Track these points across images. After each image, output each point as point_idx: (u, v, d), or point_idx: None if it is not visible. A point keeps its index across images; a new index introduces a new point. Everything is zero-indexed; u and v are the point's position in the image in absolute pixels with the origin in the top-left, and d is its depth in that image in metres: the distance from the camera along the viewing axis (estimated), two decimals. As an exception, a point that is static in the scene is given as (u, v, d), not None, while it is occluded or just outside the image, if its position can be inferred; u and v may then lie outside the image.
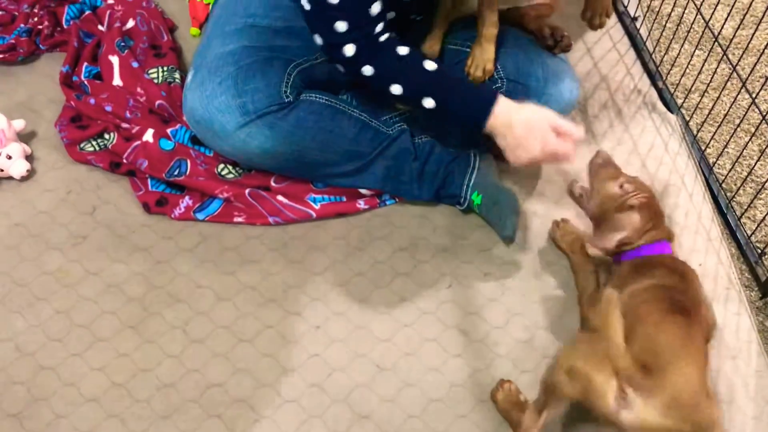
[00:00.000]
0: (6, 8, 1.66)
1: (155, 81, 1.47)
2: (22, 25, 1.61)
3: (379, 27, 1.16)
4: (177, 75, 1.50)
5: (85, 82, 1.49)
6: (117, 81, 1.48)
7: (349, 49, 1.15)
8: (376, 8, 1.14)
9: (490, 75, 1.29)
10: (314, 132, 1.26)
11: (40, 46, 1.61)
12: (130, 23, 1.59)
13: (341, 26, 1.13)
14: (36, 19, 1.64)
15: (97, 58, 1.54)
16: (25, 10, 1.65)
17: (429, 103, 1.18)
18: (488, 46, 1.27)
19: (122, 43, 1.54)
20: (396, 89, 1.18)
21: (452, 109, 1.20)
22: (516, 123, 1.16)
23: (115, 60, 1.51)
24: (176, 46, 1.62)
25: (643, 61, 1.72)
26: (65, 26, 1.64)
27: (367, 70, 1.17)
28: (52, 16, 1.65)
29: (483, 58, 1.27)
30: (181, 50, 1.63)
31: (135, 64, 1.50)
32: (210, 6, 1.66)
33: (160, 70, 1.50)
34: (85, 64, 1.53)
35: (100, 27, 1.61)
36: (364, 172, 1.33)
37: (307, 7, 1.14)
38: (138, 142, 1.37)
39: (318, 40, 1.17)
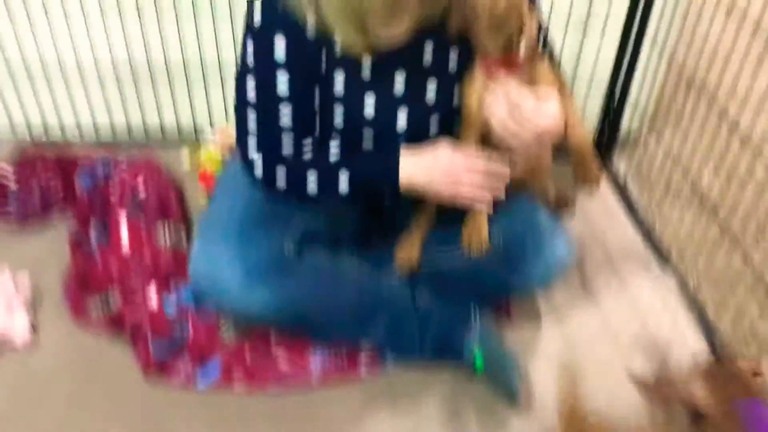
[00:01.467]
0: (23, 177, 1.73)
1: (162, 245, 1.51)
2: (36, 192, 1.68)
3: (288, 140, 1.19)
4: (184, 241, 1.54)
5: (94, 247, 1.53)
6: (125, 247, 1.52)
7: (252, 144, 1.18)
8: (286, 110, 1.16)
9: (486, 246, 1.27)
10: (316, 290, 1.28)
11: (53, 211, 1.67)
12: (141, 191, 1.65)
13: (252, 122, 1.17)
14: (50, 184, 1.70)
15: (107, 223, 1.59)
16: (39, 177, 1.72)
17: (343, 177, 1.19)
18: (481, 218, 1.25)
19: (132, 210, 1.59)
20: (311, 178, 1.19)
21: (364, 174, 1.20)
22: (423, 161, 1.18)
23: (123, 224, 1.55)
24: (185, 214, 1.68)
25: (637, 221, 1.76)
26: (78, 193, 1.70)
27: (280, 174, 1.19)
28: (66, 183, 1.72)
29: (478, 233, 1.25)
30: (189, 216, 1.68)
31: (143, 231, 1.54)
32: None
33: (168, 236, 1.54)
34: (95, 229, 1.58)
35: (111, 196, 1.67)
36: (365, 329, 1.34)
37: (234, 94, 1.19)
38: (141, 306, 1.39)
39: (234, 126, 1.21)
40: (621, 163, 1.93)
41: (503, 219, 1.32)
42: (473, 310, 1.37)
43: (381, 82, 1.17)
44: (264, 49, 1.12)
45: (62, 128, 1.96)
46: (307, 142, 1.20)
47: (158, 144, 1.96)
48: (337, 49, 1.14)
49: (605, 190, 1.86)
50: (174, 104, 1.93)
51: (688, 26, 1.62)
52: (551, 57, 1.26)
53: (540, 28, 1.20)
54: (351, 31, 1.10)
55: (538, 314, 1.49)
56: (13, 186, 1.70)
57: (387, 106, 1.19)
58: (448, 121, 1.22)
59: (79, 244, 1.56)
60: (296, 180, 1.20)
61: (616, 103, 1.87)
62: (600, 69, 1.86)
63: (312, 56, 1.14)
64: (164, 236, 1.54)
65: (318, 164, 1.20)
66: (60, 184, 1.71)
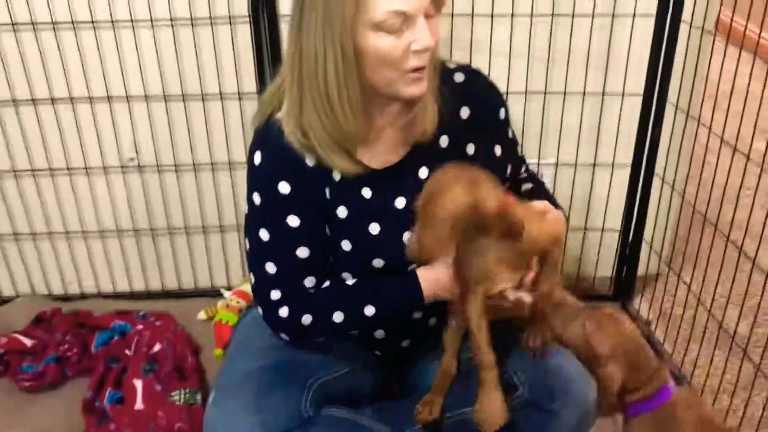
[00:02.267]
0: (40, 337, 1.73)
1: (177, 403, 1.48)
2: (51, 354, 1.67)
3: (309, 281, 1.19)
4: (198, 397, 1.51)
5: (107, 408, 1.50)
6: (139, 405, 1.48)
7: (275, 294, 1.18)
8: (302, 252, 1.17)
9: (502, 421, 1.14)
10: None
11: (67, 372, 1.65)
12: (157, 347, 1.64)
13: (270, 268, 1.18)
14: (66, 346, 1.70)
15: (121, 382, 1.57)
16: (57, 339, 1.72)
17: (369, 311, 1.18)
18: (494, 392, 1.12)
19: (147, 367, 1.57)
20: (338, 317, 1.18)
21: (389, 304, 1.19)
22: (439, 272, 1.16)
23: (138, 384, 1.53)
24: (200, 368, 1.65)
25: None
26: (93, 352, 1.69)
27: (306, 319, 1.18)
28: (82, 343, 1.71)
29: (492, 409, 1.12)
30: (204, 372, 1.65)
31: (158, 387, 1.52)
32: (234, 327, 1.72)
33: (183, 392, 1.51)
34: (109, 389, 1.55)
35: (127, 351, 1.66)
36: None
37: (248, 246, 1.20)
38: None
39: (251, 278, 1.21)
40: (643, 306, 1.90)
41: (526, 368, 1.25)
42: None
43: (384, 209, 1.20)
44: (271, 197, 1.16)
45: (81, 286, 1.98)
46: (326, 279, 1.21)
47: (174, 295, 1.98)
48: (337, 179, 1.17)
49: (629, 332, 1.82)
50: (192, 264, 1.96)
51: (696, 164, 1.65)
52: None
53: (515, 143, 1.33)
54: (344, 161, 1.14)
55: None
56: (29, 346, 1.69)
57: (391, 230, 1.20)
58: None
59: (92, 409, 1.52)
60: (323, 320, 1.20)
61: (630, 245, 1.88)
62: (611, 212, 1.88)
63: (316, 193, 1.18)
64: (179, 394, 1.50)
65: (342, 302, 1.20)
66: (77, 346, 1.70)
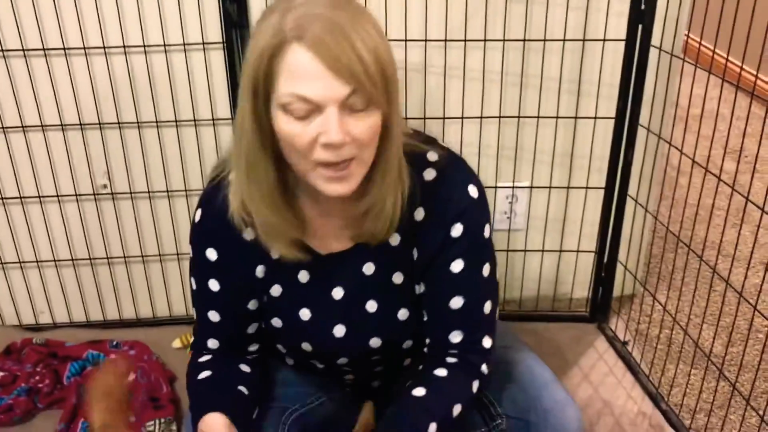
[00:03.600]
0: (9, 369, 1.69)
1: (151, 434, 1.45)
2: (22, 385, 1.63)
3: (212, 342, 1.16)
4: (174, 427, 1.48)
5: (80, 440, 1.47)
6: (112, 437, 1.45)
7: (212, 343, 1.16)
8: (213, 317, 1.14)
9: None
10: (391, 411, 1.20)
11: (38, 404, 1.62)
12: (131, 377, 1.61)
13: (214, 316, 1.15)
14: (37, 377, 1.66)
15: (94, 414, 1.53)
16: (27, 370, 1.68)
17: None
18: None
19: (121, 397, 1.54)
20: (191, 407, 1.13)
21: None
22: None
23: (112, 415, 1.50)
24: (175, 397, 1.62)
25: (642, 384, 1.72)
26: (65, 383, 1.66)
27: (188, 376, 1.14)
28: (54, 374, 1.68)
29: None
30: (179, 400, 1.62)
31: (132, 419, 1.49)
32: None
33: (158, 422, 1.48)
34: (82, 420, 1.52)
35: (100, 382, 1.62)
36: None
37: (193, 286, 1.16)
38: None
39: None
40: (619, 326, 1.91)
41: (506, 388, 1.24)
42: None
43: (318, 296, 1.15)
44: (198, 258, 1.13)
45: (53, 316, 1.95)
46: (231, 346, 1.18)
47: (148, 323, 1.95)
48: (275, 257, 1.12)
49: (606, 353, 1.83)
50: (167, 292, 1.94)
51: (668, 185, 1.67)
52: None
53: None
54: (282, 246, 1.08)
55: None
56: (-2, 379, 1.66)
57: (323, 319, 1.16)
58: (392, 338, 1.18)
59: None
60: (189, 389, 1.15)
61: (605, 266, 1.89)
62: (586, 234, 1.90)
63: (245, 269, 1.13)
64: (154, 424, 1.48)
65: (191, 397, 1.14)
66: (48, 377, 1.66)
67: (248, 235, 1.10)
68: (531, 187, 1.85)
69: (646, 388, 1.70)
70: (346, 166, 0.95)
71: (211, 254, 1.12)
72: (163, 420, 1.50)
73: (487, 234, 1.10)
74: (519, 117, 1.76)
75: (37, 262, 1.88)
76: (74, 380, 1.65)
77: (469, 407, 1.12)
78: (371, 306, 1.15)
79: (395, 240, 1.11)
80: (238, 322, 1.17)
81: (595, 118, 1.76)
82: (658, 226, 1.78)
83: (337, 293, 1.15)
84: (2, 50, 1.64)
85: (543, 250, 1.93)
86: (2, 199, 1.80)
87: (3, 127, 1.72)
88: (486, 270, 1.10)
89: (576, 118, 1.77)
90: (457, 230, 1.07)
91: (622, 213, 1.82)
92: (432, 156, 1.09)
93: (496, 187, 1.84)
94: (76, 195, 1.81)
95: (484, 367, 1.12)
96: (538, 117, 1.76)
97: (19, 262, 1.87)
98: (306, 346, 1.18)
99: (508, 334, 1.38)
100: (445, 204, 1.07)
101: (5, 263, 1.87)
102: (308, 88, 0.89)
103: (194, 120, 1.73)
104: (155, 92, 1.70)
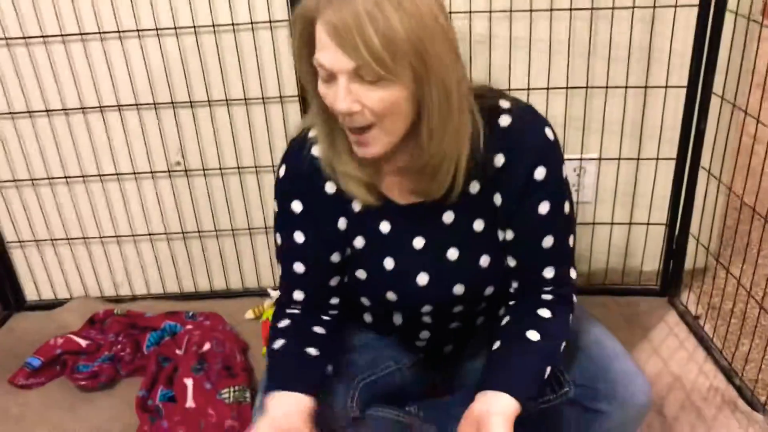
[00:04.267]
0: (94, 338, 1.79)
1: (226, 401, 1.51)
2: (106, 353, 1.72)
3: (298, 294, 1.20)
4: (247, 395, 1.54)
5: (160, 406, 1.54)
6: (190, 403, 1.52)
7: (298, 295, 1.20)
8: (299, 268, 1.19)
9: None
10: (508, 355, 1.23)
11: (121, 372, 1.70)
12: (206, 346, 1.67)
13: (279, 268, 1.20)
14: (119, 346, 1.75)
15: (172, 381, 1.60)
16: (110, 339, 1.77)
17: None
18: None
19: (197, 366, 1.61)
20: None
21: None
22: None
23: (189, 382, 1.56)
24: (248, 366, 1.68)
25: (714, 359, 1.68)
26: (145, 352, 1.74)
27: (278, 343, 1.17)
28: (134, 343, 1.76)
29: None
30: (252, 370, 1.68)
31: (208, 386, 1.55)
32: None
33: (232, 390, 1.54)
34: (161, 387, 1.59)
35: (177, 351, 1.70)
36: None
37: (278, 241, 1.21)
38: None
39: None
40: (691, 300, 1.87)
41: (575, 356, 1.24)
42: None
43: (400, 245, 1.18)
44: (284, 211, 1.18)
45: (131, 288, 2.04)
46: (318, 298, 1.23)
47: (222, 295, 2.02)
48: (356, 209, 1.16)
49: (677, 328, 1.80)
50: (239, 265, 2.00)
51: (743, 155, 1.62)
52: None
53: None
54: (363, 193, 1.12)
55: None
56: (84, 347, 1.75)
57: (406, 268, 1.18)
58: (474, 285, 1.20)
59: (145, 407, 1.56)
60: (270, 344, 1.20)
61: (677, 239, 1.85)
62: (657, 206, 1.86)
63: (328, 221, 1.17)
64: (229, 392, 1.53)
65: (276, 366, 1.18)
66: (129, 346, 1.74)
67: (330, 188, 1.15)
68: (599, 159, 1.82)
69: (718, 363, 1.67)
70: (364, 132, 1.00)
71: (296, 206, 1.16)
72: (236, 388, 1.55)
73: (565, 174, 1.13)
74: (587, 87, 1.73)
75: (116, 237, 1.96)
76: (153, 349, 1.72)
77: (565, 342, 1.17)
78: (452, 254, 1.17)
79: (475, 188, 1.13)
80: (323, 273, 1.21)
81: (666, 87, 1.71)
82: (732, 198, 1.73)
83: (418, 242, 1.17)
84: (81, 34, 1.71)
85: (612, 223, 1.90)
86: (83, 177, 1.88)
87: (83, 108, 1.79)
88: (567, 207, 1.14)
89: (646, 87, 1.72)
90: (540, 173, 1.09)
91: (694, 184, 1.77)
92: (504, 103, 1.11)
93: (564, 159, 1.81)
94: (151, 172, 1.87)
95: (574, 297, 1.18)
96: (606, 87, 1.72)
97: (100, 237, 1.96)
98: (391, 296, 1.21)
99: (576, 306, 1.38)
100: (525, 148, 1.09)
101: (87, 238, 1.96)
102: (323, 56, 0.96)
103: (263, 98, 1.77)
104: (224, 71, 1.75)
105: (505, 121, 1.09)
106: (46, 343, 1.76)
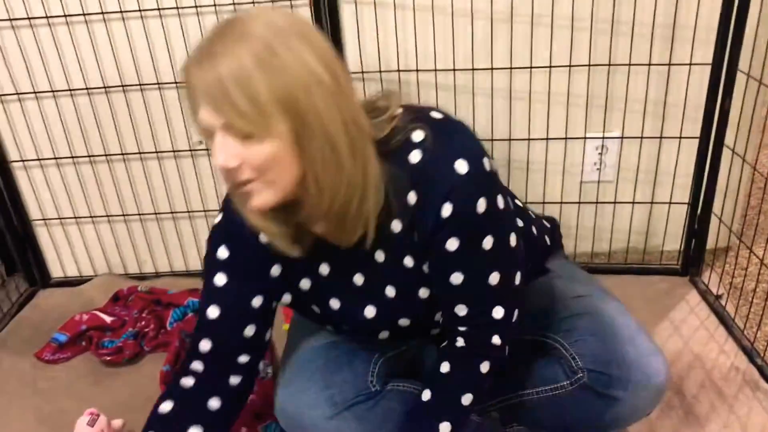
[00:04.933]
0: (118, 314, 1.82)
1: (249, 377, 1.53)
2: (130, 329, 1.75)
3: (205, 344, 1.15)
4: (270, 370, 1.56)
5: (184, 380, 1.56)
6: (213, 378, 1.54)
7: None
8: (212, 313, 1.14)
9: None
10: (403, 422, 1.25)
11: (145, 347, 1.73)
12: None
13: (213, 312, 1.15)
14: (143, 323, 1.77)
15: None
16: (134, 315, 1.80)
17: None
18: None
19: (220, 342, 1.63)
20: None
21: None
22: None
23: (212, 358, 1.58)
24: (269, 342, 1.70)
25: (735, 338, 1.68)
26: (169, 328, 1.76)
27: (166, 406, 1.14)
28: (158, 319, 1.79)
29: None
30: (273, 345, 1.70)
31: None
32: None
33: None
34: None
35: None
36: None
37: (201, 287, 1.18)
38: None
39: None
40: (712, 279, 1.86)
41: (588, 340, 1.23)
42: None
43: (342, 285, 1.18)
44: (208, 255, 1.17)
45: (155, 265, 2.07)
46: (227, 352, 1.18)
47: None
48: (296, 253, 1.12)
49: (698, 307, 1.79)
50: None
51: (768, 136, 1.61)
52: None
53: None
54: (285, 244, 1.09)
55: (639, 442, 1.41)
56: (108, 323, 1.78)
57: (352, 305, 1.19)
58: (419, 316, 1.20)
59: (170, 381, 1.58)
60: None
61: (699, 218, 1.84)
62: (679, 185, 1.84)
63: (260, 266, 1.16)
64: (251, 367, 1.55)
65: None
66: (153, 322, 1.77)
67: (264, 238, 1.12)
68: (622, 138, 1.81)
69: (740, 343, 1.66)
70: (247, 185, 0.98)
71: (223, 252, 1.15)
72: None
73: (482, 208, 1.04)
74: (609, 65, 1.71)
75: (139, 215, 1.99)
76: (176, 325, 1.75)
77: (482, 390, 1.15)
78: (390, 291, 1.16)
79: (397, 226, 1.09)
80: (238, 319, 1.16)
81: (690, 64, 1.69)
82: (756, 176, 1.71)
83: (359, 279, 1.17)
84: (103, 13, 1.72)
85: (634, 202, 1.89)
86: (107, 156, 1.90)
87: (105, 87, 1.81)
88: (487, 243, 1.06)
89: (670, 65, 1.70)
90: (446, 210, 1.03)
91: (718, 163, 1.75)
92: (418, 136, 1.04)
93: (585, 138, 1.80)
94: (174, 151, 1.89)
95: (495, 339, 1.12)
96: (629, 65, 1.71)
97: (123, 216, 1.99)
98: (346, 327, 1.23)
99: (590, 282, 1.38)
100: (433, 185, 1.03)
101: (110, 216, 1.99)
102: (199, 113, 0.95)
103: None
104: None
105: (415, 157, 1.03)
106: (72, 319, 1.80)
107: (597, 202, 1.90)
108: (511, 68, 1.72)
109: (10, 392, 1.64)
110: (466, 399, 1.13)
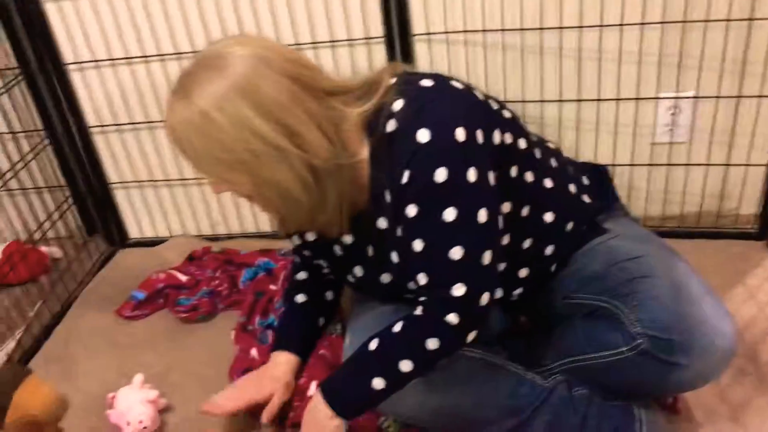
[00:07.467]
0: (193, 273, 1.88)
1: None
2: (204, 288, 1.81)
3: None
4: (339, 327, 1.59)
5: (267, 332, 1.62)
6: (284, 334, 1.58)
7: None
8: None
9: None
10: (469, 387, 1.25)
11: (219, 305, 1.79)
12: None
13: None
14: (216, 282, 1.84)
15: (267, 312, 1.68)
16: (208, 275, 1.86)
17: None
18: None
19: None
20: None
21: None
22: None
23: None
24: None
25: (814, 304, 1.62)
26: (240, 287, 1.82)
27: None
28: (231, 279, 1.85)
29: None
30: (342, 307, 1.73)
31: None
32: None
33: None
34: (258, 317, 1.67)
35: (271, 286, 1.77)
36: (524, 429, 1.27)
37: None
38: (304, 396, 1.43)
39: None
40: (791, 243, 1.80)
41: (646, 305, 1.19)
42: (637, 406, 1.28)
43: (361, 253, 1.29)
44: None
45: (227, 227, 2.13)
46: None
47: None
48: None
49: (775, 271, 1.74)
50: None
51: None
52: None
53: None
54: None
55: (710, 410, 1.38)
56: (184, 281, 1.85)
57: (371, 272, 1.31)
58: (399, 278, 1.26)
59: (245, 331, 1.65)
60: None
61: (779, 179, 1.78)
62: (757, 147, 1.78)
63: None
64: (320, 325, 1.59)
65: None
66: (226, 282, 1.83)
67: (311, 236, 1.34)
68: (696, 97, 1.75)
69: (818, 309, 1.61)
70: (251, 201, 1.19)
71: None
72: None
73: (441, 177, 1.05)
74: (684, 22, 1.65)
75: (211, 178, 2.04)
76: (249, 284, 1.81)
77: (425, 364, 1.16)
78: (394, 257, 1.22)
79: (388, 196, 1.15)
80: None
81: (773, 19, 1.62)
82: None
83: (369, 250, 1.28)
84: (174, -20, 1.76)
85: (708, 164, 1.83)
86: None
87: (177, 53, 1.85)
88: (449, 214, 1.07)
89: (750, 20, 1.63)
90: (405, 177, 1.07)
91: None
92: (396, 105, 1.10)
93: (657, 98, 1.75)
94: (243, 115, 1.92)
95: (451, 317, 1.09)
96: (706, 21, 1.64)
97: (197, 179, 2.04)
98: (376, 294, 1.36)
99: (650, 241, 1.34)
100: (398, 153, 1.08)
101: (184, 180, 2.05)
102: None
103: (348, 39, 1.78)
104: (310, 14, 1.76)
105: (390, 126, 1.10)
106: (149, 278, 1.87)
107: (669, 164, 1.85)
108: (581, 27, 1.68)
109: (93, 347, 1.73)
110: (405, 365, 1.13)
